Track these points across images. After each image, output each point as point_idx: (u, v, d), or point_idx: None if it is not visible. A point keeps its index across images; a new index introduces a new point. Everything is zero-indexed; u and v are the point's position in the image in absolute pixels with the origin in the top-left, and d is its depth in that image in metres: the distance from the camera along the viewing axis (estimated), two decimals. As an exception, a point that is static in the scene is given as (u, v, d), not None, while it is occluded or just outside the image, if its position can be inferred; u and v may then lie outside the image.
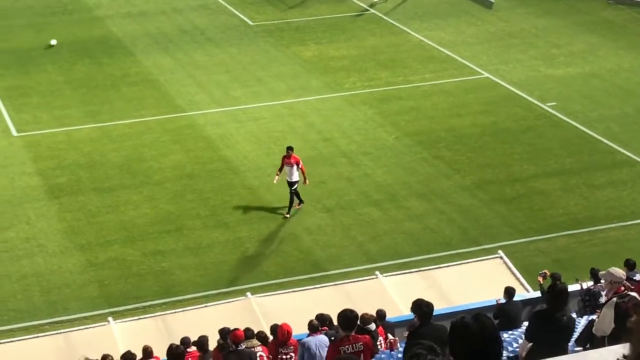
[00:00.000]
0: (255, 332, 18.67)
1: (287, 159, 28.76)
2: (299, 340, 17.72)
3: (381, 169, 31.81)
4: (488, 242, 27.40)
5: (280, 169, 28.96)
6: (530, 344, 12.43)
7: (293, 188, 28.70)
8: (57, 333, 22.59)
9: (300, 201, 29.23)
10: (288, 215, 28.79)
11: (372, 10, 48.56)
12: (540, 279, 20.65)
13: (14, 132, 34.58)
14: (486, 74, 40.18)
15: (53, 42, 43.39)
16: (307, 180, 28.97)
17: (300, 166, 28.66)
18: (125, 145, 33.55)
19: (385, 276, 24.18)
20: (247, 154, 32.77)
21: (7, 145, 33.58)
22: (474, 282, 23.65)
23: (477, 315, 6.34)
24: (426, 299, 13.23)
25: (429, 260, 26.31)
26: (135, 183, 30.90)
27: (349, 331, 13.16)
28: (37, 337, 22.57)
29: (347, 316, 13.13)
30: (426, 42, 44.22)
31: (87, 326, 22.92)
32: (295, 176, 28.63)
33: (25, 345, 22.10)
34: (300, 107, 36.83)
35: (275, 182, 29.02)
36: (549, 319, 12.13)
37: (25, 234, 28.01)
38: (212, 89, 38.72)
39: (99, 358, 18.33)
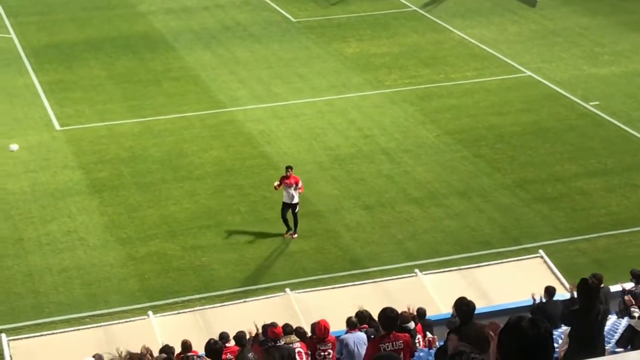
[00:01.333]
0: (294, 328, 18.73)
1: (287, 179, 27.19)
2: (337, 337, 17.76)
3: (421, 167, 31.73)
4: (528, 241, 27.27)
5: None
6: (566, 346, 12.41)
7: (295, 211, 27.36)
8: (97, 326, 22.78)
9: (290, 229, 27.60)
10: (295, 236, 27.58)
11: (415, 8, 48.42)
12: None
13: (57, 126, 34.86)
14: (528, 73, 39.95)
15: (14, 147, 32.69)
16: (297, 205, 27.23)
17: (299, 186, 27.12)
18: (166, 141, 33.73)
19: (425, 274, 24.15)
20: (287, 150, 32.81)
21: (50, 139, 33.85)
22: (514, 281, 23.53)
23: (534, 320, 6.15)
24: (466, 297, 13.23)
25: (468, 258, 26.22)
26: (176, 178, 31.06)
27: (390, 330, 13.20)
28: (78, 329, 22.78)
29: (387, 315, 13.17)
30: (468, 39, 44.04)
31: (127, 319, 23.10)
32: (296, 197, 27.18)
33: (66, 338, 22.32)
34: (341, 104, 36.82)
35: (276, 188, 27.43)
36: (582, 315, 12.13)
37: (67, 227, 28.24)
38: (253, 85, 38.81)
39: (139, 351, 18.45)
